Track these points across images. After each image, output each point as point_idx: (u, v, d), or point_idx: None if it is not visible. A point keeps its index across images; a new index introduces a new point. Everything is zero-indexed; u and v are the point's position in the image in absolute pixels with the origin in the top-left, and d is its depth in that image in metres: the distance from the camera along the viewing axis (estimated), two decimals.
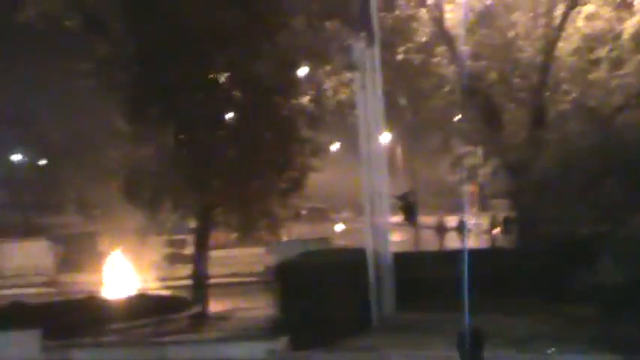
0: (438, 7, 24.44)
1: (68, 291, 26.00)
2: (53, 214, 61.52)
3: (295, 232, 46.42)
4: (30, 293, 30.52)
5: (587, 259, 16.14)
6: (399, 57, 25.48)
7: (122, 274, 30.21)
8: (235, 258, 39.78)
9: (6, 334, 19.27)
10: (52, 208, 64.70)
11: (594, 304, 16.02)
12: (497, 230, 41.78)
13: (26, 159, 71.76)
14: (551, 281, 19.61)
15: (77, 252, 41.67)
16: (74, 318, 21.28)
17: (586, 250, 17.27)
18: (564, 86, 24.69)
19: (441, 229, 42.46)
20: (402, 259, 21.47)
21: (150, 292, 24.07)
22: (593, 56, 24.30)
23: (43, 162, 70.55)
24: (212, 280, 26.01)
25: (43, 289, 33.00)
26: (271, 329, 19.41)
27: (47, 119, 67.01)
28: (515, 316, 18.48)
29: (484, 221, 44.38)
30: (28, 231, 49.19)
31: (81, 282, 26.12)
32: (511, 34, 24.38)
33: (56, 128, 67.23)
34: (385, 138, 23.56)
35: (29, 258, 39.19)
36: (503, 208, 40.59)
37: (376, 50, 20.38)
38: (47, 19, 24.48)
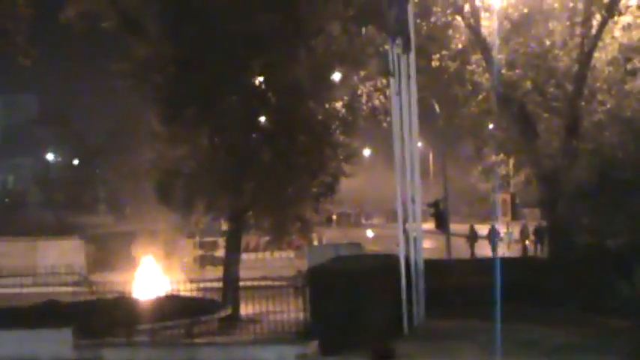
0: (474, 15, 24.42)
1: (100, 290, 26.12)
2: (86, 214, 62.14)
3: (326, 237, 46.50)
4: (63, 292, 30.82)
5: (623, 269, 16.02)
6: (434, 64, 25.51)
7: (153, 274, 30.37)
8: (266, 261, 39.98)
9: (39, 331, 19.46)
10: (85, 207, 65.35)
11: (629, 316, 15.88)
12: (528, 240, 41.57)
13: (60, 158, 72.64)
14: (586, 291, 19.48)
15: (109, 252, 42.06)
16: (105, 317, 21.36)
17: (621, 260, 17.15)
18: (600, 96, 24.53)
19: (472, 237, 42.28)
20: (433, 266, 21.41)
21: (180, 294, 24.11)
22: (629, 67, 24.14)
23: (76, 162, 71.34)
24: (243, 283, 26.11)
25: (76, 288, 33.32)
26: (301, 333, 19.42)
27: (83, 119, 67.88)
28: (549, 326, 18.34)
29: (516, 230, 44.15)
30: (61, 230, 49.72)
31: (112, 282, 26.26)
32: (547, 43, 24.27)
33: (91, 128, 68.03)
34: (418, 144, 23.54)
35: (62, 257, 39.56)
36: (535, 217, 40.43)
37: (412, 57, 20.33)
38: (87, 19, 24.78)
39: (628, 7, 23.43)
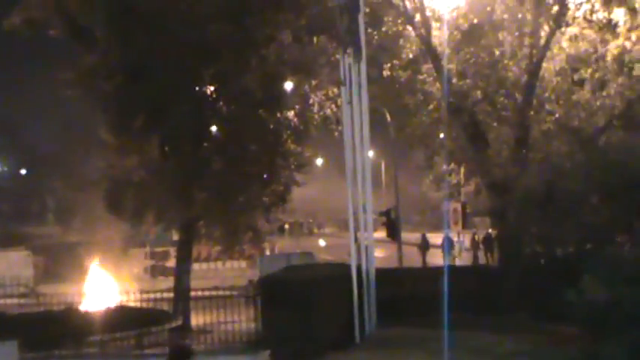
0: (425, 25, 24.60)
1: (47, 302, 25.67)
2: (34, 224, 61.09)
3: (279, 246, 46.44)
4: (9, 304, 30.25)
5: (571, 277, 16.23)
6: (386, 73, 25.67)
7: (103, 285, 29.97)
8: (218, 271, 39.76)
9: None
10: (33, 217, 64.29)
11: (577, 323, 16.10)
12: (478, 248, 41.97)
13: (6, 168, 71.39)
14: (535, 299, 19.70)
15: (57, 263, 41.41)
16: (53, 329, 20.97)
17: (570, 268, 17.37)
18: (548, 106, 24.89)
19: (423, 246, 42.55)
20: (384, 275, 21.48)
21: (130, 305, 23.80)
22: (577, 77, 24.54)
23: (23, 171, 70.17)
24: (194, 293, 25.88)
25: (23, 300, 32.74)
26: (253, 343, 19.33)
27: (30, 128, 66.81)
28: (498, 333, 18.52)
29: (467, 239, 44.54)
30: (8, 240, 48.77)
31: (61, 293, 25.81)
32: (497, 53, 24.56)
33: (39, 137, 67.02)
34: (370, 154, 23.61)
35: (9, 268, 38.85)
36: (486, 226, 40.84)
37: (363, 66, 20.46)
38: (33, 26, 24.37)
39: (575, 18, 23.83)
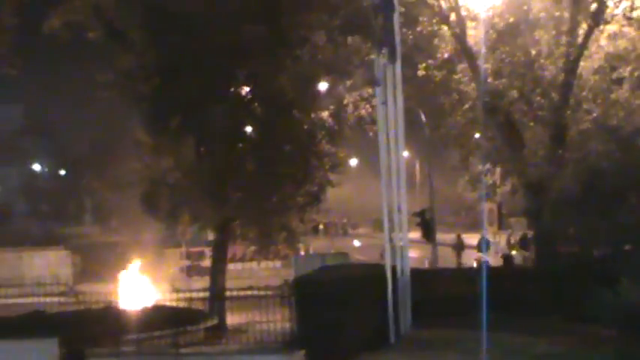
0: (460, 25, 24.48)
1: (86, 301, 26.01)
2: (72, 224, 61.92)
3: (313, 247, 46.51)
4: (49, 302, 30.67)
5: (608, 278, 16.06)
6: (421, 73, 25.58)
7: (139, 285, 30.27)
8: (252, 271, 39.97)
9: (24, 342, 19.31)
10: (72, 217, 65.16)
11: (613, 325, 15.93)
12: (514, 250, 41.60)
13: (46, 169, 72.40)
14: (570, 301, 19.51)
15: (95, 262, 41.89)
16: (91, 328, 21.25)
17: (606, 269, 17.21)
18: (585, 105, 24.60)
19: (458, 247, 42.31)
20: (419, 275, 21.40)
21: (167, 304, 24.02)
22: (615, 75, 24.24)
23: (62, 172, 71.11)
24: (229, 293, 26.04)
25: (62, 299, 33.17)
26: (287, 343, 19.37)
27: (68, 130, 67.62)
28: (534, 334, 18.37)
29: (503, 239, 44.22)
30: (47, 240, 49.49)
31: (98, 292, 26.16)
32: (533, 52, 24.35)
33: (77, 139, 67.79)
34: (404, 154, 23.53)
35: (48, 267, 39.47)
36: (522, 227, 40.51)
37: (398, 66, 20.35)
38: (71, 29, 24.71)
39: (614, 15, 23.54)
